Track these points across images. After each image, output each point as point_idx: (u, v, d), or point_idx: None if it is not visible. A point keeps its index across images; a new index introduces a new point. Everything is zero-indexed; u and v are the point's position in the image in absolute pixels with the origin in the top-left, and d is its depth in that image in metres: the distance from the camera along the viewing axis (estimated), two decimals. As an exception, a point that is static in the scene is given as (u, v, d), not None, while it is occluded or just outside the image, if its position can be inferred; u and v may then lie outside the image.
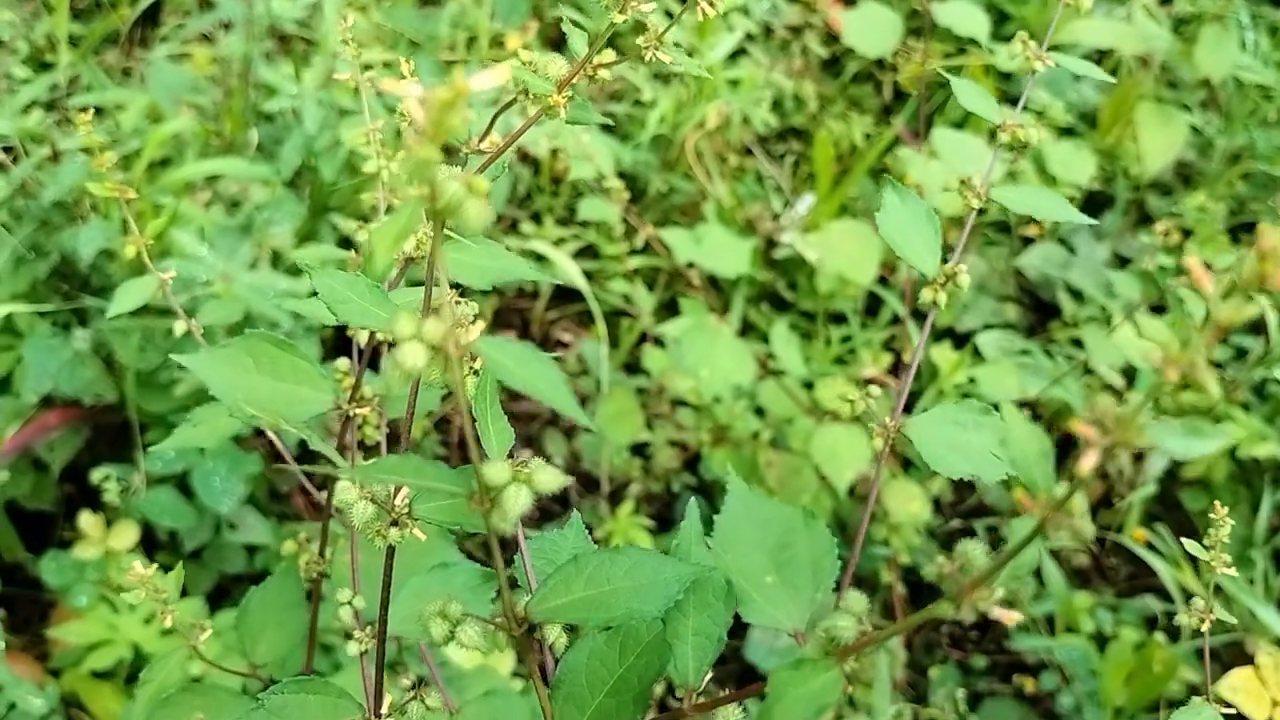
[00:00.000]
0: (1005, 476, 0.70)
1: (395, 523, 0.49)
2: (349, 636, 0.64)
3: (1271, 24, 2.60)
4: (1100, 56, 2.72)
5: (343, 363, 0.75)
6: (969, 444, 0.69)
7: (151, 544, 1.82)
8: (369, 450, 0.74)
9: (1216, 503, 0.72)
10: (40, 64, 2.44)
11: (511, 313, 2.41)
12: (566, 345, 2.28)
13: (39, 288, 1.88)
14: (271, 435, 1.91)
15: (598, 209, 1.87)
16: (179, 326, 0.84)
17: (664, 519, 2.03)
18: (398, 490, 0.50)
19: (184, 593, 1.78)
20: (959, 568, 0.34)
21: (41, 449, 1.81)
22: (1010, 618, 0.34)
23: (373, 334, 0.72)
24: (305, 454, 2.14)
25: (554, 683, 0.45)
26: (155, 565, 0.71)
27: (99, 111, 2.30)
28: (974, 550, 0.34)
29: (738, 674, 1.91)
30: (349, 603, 0.65)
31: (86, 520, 1.59)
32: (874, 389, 0.71)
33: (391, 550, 0.51)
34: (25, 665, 1.63)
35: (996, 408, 0.72)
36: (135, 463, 1.78)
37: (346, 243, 2.11)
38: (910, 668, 1.95)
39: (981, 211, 0.77)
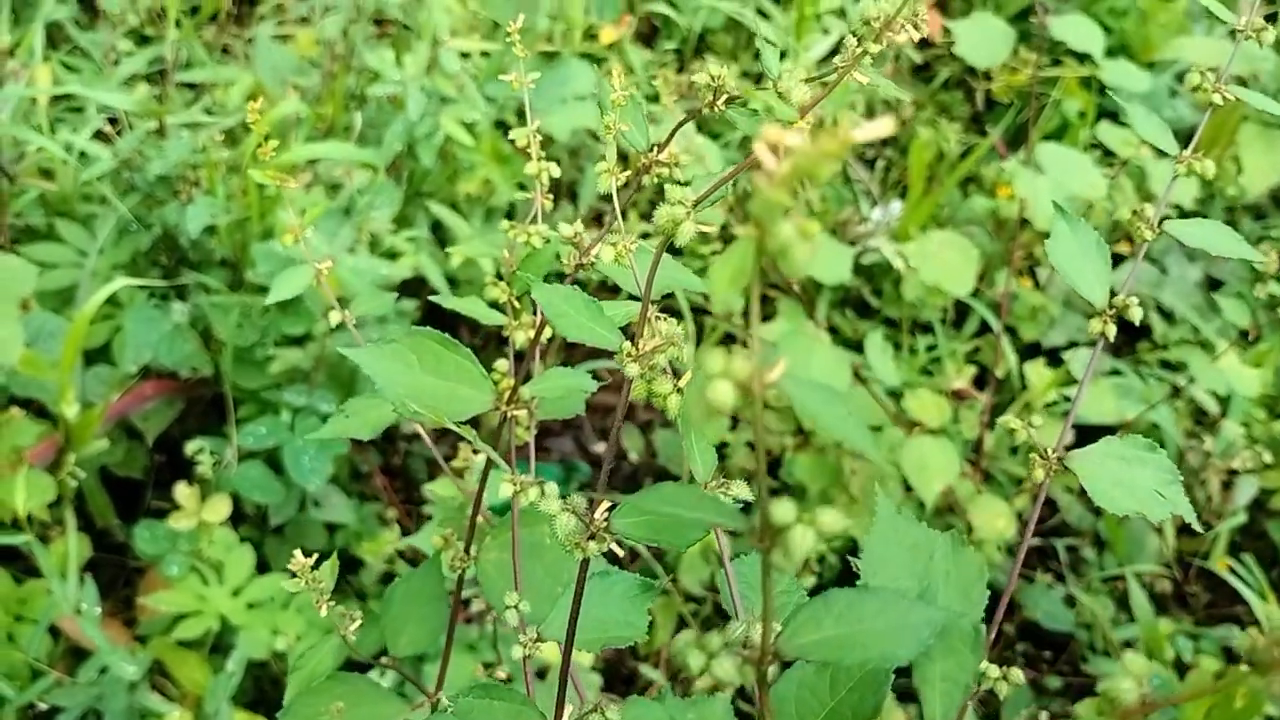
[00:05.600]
0: (1169, 516, 0.69)
1: (593, 536, 0.50)
2: (514, 641, 0.65)
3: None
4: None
5: (501, 364, 0.75)
6: (1134, 480, 0.68)
7: (238, 518, 1.85)
8: (518, 450, 0.75)
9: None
10: (141, 38, 2.47)
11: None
12: (648, 343, 2.27)
13: (139, 260, 1.91)
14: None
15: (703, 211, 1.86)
16: (334, 317, 0.85)
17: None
18: (597, 504, 0.50)
19: (268, 567, 1.81)
20: None
21: (136, 418, 1.84)
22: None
23: (537, 334, 0.72)
24: (386, 436, 2.16)
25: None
26: (314, 555, 0.72)
27: (199, 88, 2.32)
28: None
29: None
30: (515, 607, 0.66)
31: (182, 492, 1.62)
32: (1035, 419, 0.71)
33: (585, 563, 0.52)
34: (114, 630, 1.66)
35: (1159, 447, 0.71)
36: (227, 436, 1.80)
37: (436, 227, 2.13)
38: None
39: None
